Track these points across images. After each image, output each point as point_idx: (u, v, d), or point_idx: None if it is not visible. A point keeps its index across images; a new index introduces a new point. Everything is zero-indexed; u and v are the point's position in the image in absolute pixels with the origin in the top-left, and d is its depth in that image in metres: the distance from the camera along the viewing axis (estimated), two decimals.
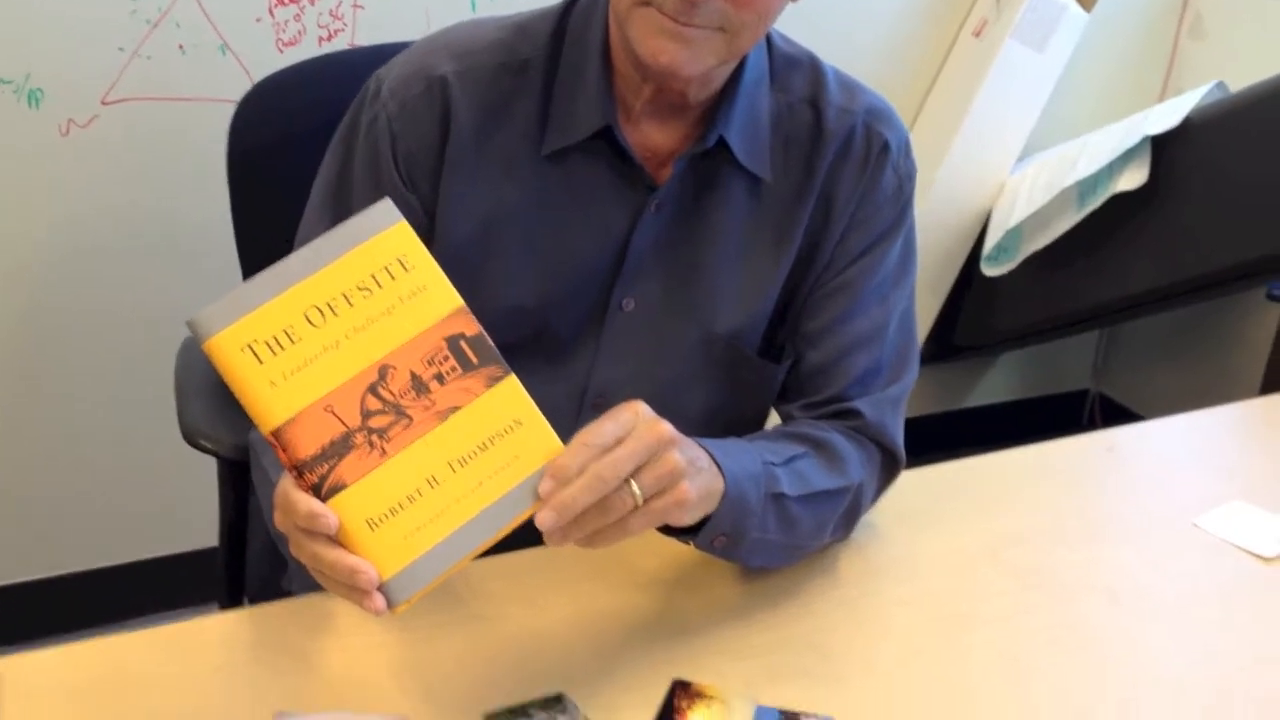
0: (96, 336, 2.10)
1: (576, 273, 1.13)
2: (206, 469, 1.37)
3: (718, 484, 0.98)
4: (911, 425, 1.20)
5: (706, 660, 1.03)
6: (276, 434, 0.81)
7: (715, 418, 1.18)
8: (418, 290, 0.87)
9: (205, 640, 1.03)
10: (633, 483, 0.89)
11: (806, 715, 0.98)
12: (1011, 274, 2.64)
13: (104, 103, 1.96)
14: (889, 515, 1.22)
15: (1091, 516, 1.30)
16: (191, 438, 1.28)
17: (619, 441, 0.89)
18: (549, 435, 0.89)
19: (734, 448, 1.03)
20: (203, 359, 0.82)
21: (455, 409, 0.86)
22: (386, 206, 0.88)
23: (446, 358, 0.86)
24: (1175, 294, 2.46)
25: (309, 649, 1.02)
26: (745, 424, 1.22)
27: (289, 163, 1.31)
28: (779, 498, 1.05)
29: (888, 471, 1.19)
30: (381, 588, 0.82)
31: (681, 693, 1.00)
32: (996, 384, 3.19)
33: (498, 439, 0.87)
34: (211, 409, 1.32)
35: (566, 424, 1.17)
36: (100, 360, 2.11)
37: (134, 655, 1.00)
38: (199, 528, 1.65)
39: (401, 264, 0.87)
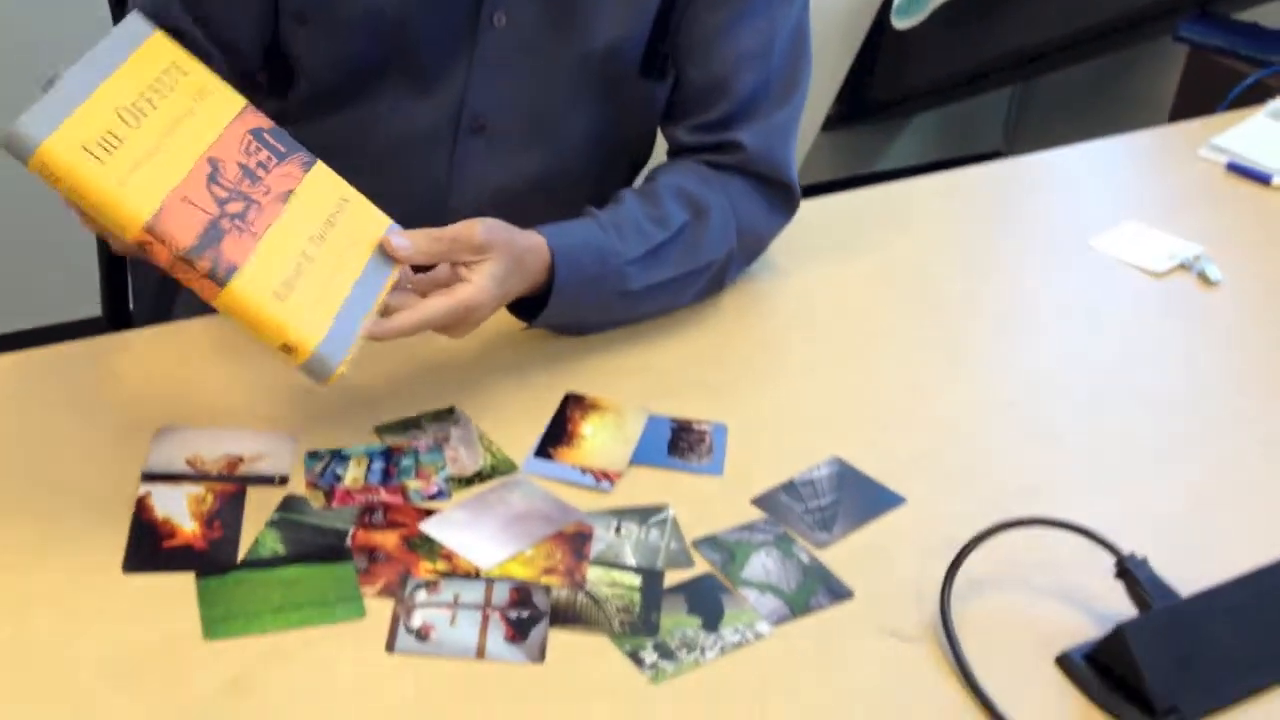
0: None
1: None
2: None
3: (518, 292, 1.00)
4: (823, 188, 1.18)
5: (600, 377, 1.03)
6: (150, 229, 0.78)
7: (601, 140, 1.15)
8: (203, 91, 0.88)
9: (85, 361, 1.00)
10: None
11: (699, 423, 0.99)
12: (923, 27, 2.58)
13: None
14: (788, 244, 1.21)
15: (988, 241, 1.31)
16: None
17: (440, 261, 0.94)
18: (371, 209, 0.94)
19: (589, 253, 1.03)
20: None
21: (290, 192, 0.88)
22: (136, 20, 0.88)
23: (259, 149, 0.89)
24: (1086, 40, 2.44)
25: (192, 372, 1.00)
26: (630, 145, 1.18)
27: None
28: (625, 293, 1.06)
29: (785, 207, 1.17)
30: (313, 357, 0.82)
31: (574, 404, 0.99)
32: (909, 148, 3.17)
33: (337, 215, 0.91)
34: None
35: (444, 150, 1.13)
36: None
37: (13, 377, 0.98)
38: (83, 297, 1.58)
39: (178, 68, 0.88)
